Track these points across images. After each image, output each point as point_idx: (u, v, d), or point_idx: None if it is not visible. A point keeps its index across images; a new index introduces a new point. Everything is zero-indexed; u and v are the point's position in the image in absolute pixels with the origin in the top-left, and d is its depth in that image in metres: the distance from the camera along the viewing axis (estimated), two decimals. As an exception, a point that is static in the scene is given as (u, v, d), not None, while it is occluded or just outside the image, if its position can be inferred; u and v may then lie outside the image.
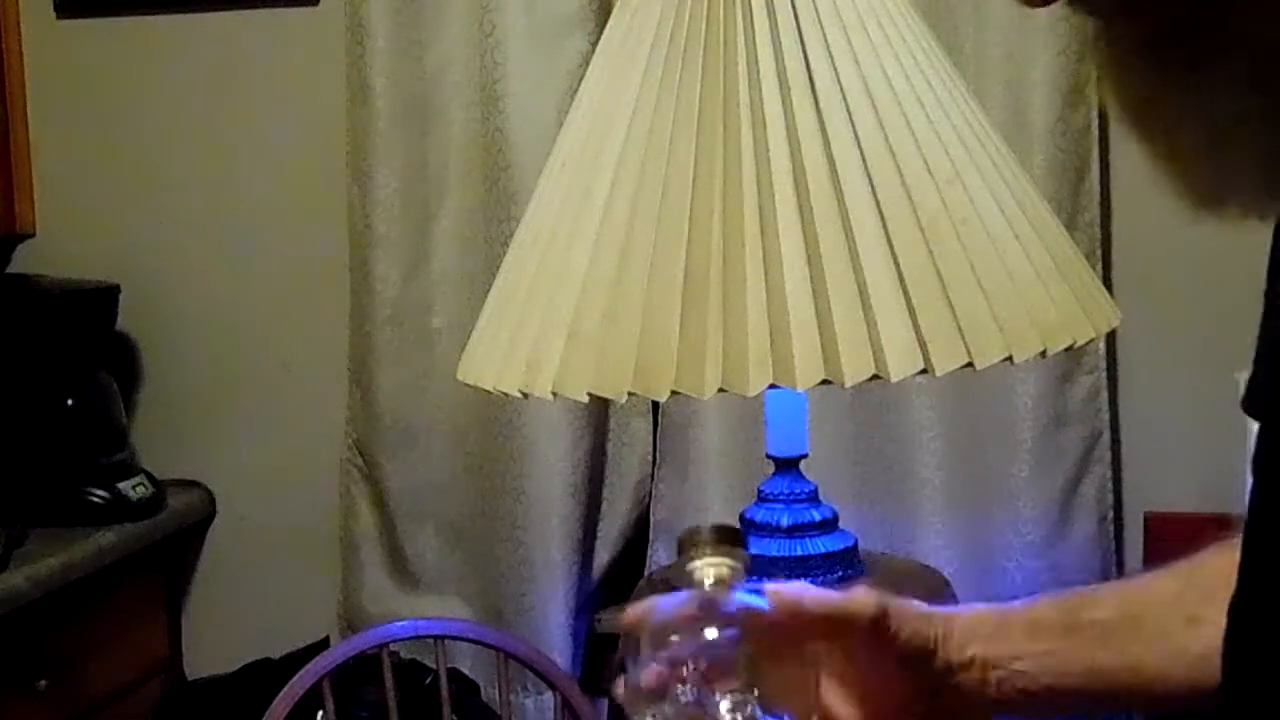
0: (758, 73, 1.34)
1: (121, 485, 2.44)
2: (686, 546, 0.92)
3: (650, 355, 1.23)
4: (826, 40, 1.36)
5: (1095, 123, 2.23)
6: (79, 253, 2.61)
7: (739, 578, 0.90)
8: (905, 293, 1.24)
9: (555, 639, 2.37)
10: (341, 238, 2.50)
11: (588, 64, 2.35)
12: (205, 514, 2.65)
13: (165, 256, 2.63)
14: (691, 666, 0.86)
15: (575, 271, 1.35)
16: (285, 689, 1.91)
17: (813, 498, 1.83)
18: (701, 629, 0.87)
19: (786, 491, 1.82)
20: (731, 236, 1.29)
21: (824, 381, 1.31)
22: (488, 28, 2.35)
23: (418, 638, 2.10)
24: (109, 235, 2.63)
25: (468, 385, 1.53)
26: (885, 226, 1.31)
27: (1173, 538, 2.24)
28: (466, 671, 2.39)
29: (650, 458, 2.43)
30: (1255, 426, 0.91)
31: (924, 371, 1.33)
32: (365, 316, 2.47)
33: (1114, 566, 2.28)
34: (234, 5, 2.56)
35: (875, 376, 1.31)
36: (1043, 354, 1.39)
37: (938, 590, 1.89)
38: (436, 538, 2.50)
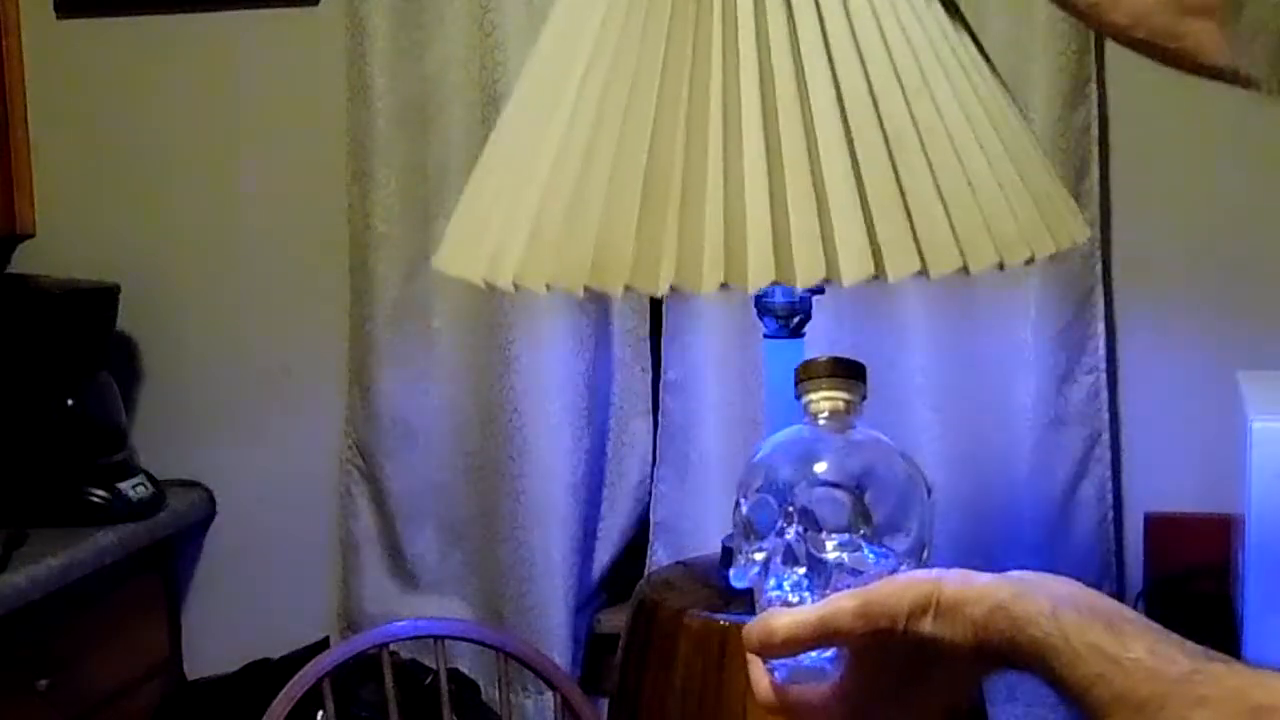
0: None
1: (121, 485, 2.44)
2: (802, 378, 0.91)
3: (607, 252, 1.23)
4: None
5: (1095, 123, 2.23)
6: (79, 253, 2.61)
7: (853, 412, 0.90)
8: (863, 199, 1.23)
9: (555, 639, 2.37)
10: (341, 238, 2.50)
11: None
12: (205, 514, 2.65)
13: (165, 256, 2.63)
14: (799, 504, 0.86)
15: (540, 169, 1.35)
16: (285, 689, 1.90)
17: (813, 498, 1.83)
18: (810, 466, 0.87)
19: (786, 491, 1.82)
20: (694, 137, 1.28)
21: (775, 283, 1.28)
22: (488, 28, 2.35)
23: (418, 638, 2.10)
24: (109, 235, 2.63)
25: (452, 276, 1.51)
26: (849, 133, 1.29)
27: (1173, 538, 2.24)
28: (466, 671, 2.39)
29: (650, 458, 2.43)
30: (1255, 426, 0.91)
31: (877, 278, 1.29)
32: (365, 316, 2.47)
33: (1114, 567, 2.28)
34: (234, 5, 2.56)
35: (827, 281, 1.29)
36: (1000, 266, 1.35)
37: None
38: (436, 538, 2.50)
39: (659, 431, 2.42)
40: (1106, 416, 2.26)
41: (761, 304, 1.71)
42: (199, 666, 2.63)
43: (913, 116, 1.32)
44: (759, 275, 1.25)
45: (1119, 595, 2.29)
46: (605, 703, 2.11)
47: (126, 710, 2.47)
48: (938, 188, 1.30)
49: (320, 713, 1.96)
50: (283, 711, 1.89)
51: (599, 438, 2.42)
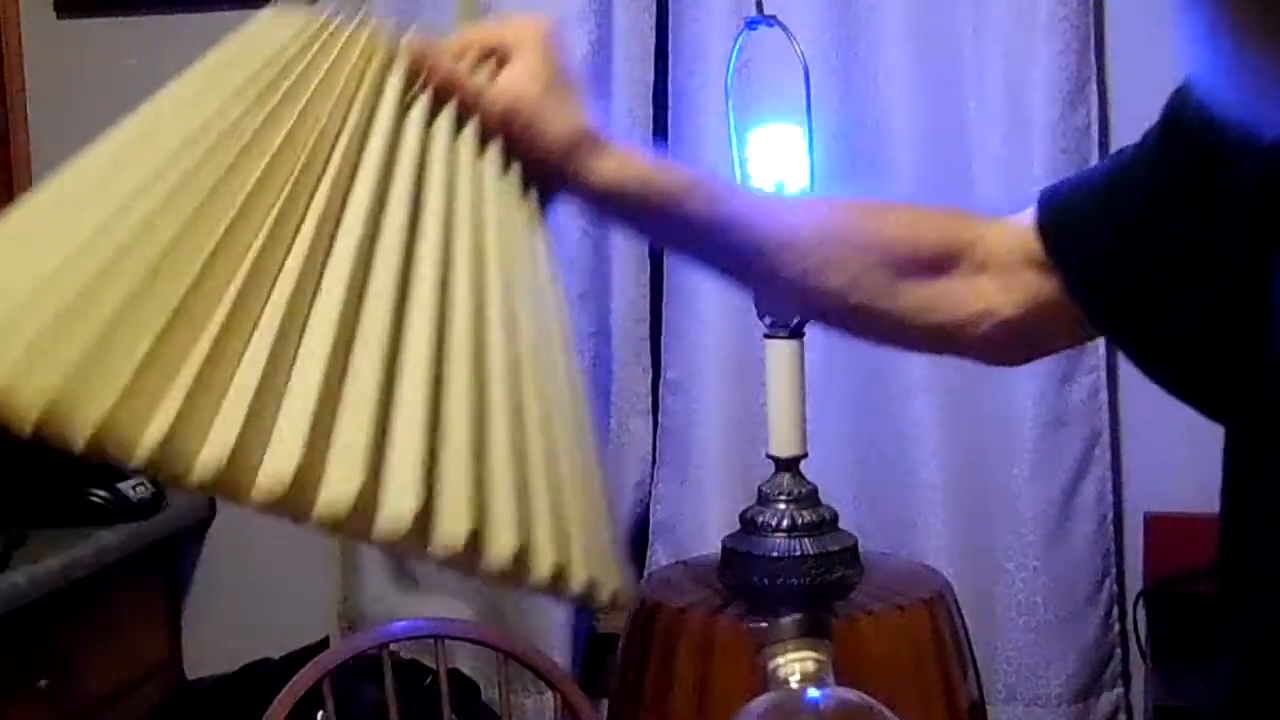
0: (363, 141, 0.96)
1: (121, 485, 2.44)
2: (768, 641, 0.89)
3: (88, 388, 0.86)
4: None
5: (1095, 123, 2.23)
6: (79, 253, 2.61)
7: (825, 671, 0.88)
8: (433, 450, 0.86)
9: (555, 639, 2.37)
10: (341, 238, 2.50)
11: (587, 63, 2.36)
12: (205, 514, 2.65)
13: (165, 256, 2.62)
14: None
15: (50, 258, 0.91)
16: (285, 689, 1.90)
17: (813, 498, 1.83)
18: None
19: (786, 491, 1.82)
20: (247, 302, 0.89)
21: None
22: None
23: (418, 638, 2.10)
24: (109, 235, 2.63)
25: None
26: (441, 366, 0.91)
27: (1173, 538, 2.24)
28: (466, 671, 2.39)
29: (650, 458, 2.43)
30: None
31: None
32: (365, 316, 2.46)
33: (1114, 567, 2.28)
34: (234, 5, 2.56)
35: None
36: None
37: (938, 590, 1.89)
38: (436, 538, 2.49)
39: (659, 431, 2.42)
40: (1106, 416, 2.26)
41: (762, 303, 1.71)
42: (199, 666, 2.63)
43: (518, 366, 0.97)
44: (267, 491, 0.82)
45: (1119, 595, 2.29)
46: (605, 703, 2.11)
47: (126, 710, 2.47)
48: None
49: (320, 713, 1.96)
50: (283, 711, 1.89)
51: (599, 438, 2.42)
